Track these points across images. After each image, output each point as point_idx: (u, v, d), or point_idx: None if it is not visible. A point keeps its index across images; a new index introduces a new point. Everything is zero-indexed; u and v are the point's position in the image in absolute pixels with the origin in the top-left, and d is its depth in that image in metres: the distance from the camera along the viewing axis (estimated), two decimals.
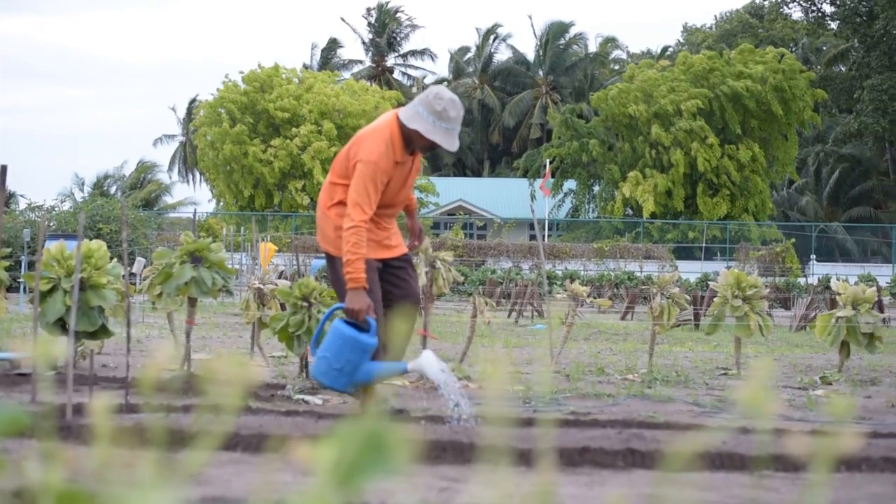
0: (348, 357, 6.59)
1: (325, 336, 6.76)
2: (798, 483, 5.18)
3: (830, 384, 9.43)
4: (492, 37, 78.76)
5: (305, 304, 8.33)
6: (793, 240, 45.96)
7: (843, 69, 67.85)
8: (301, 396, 7.74)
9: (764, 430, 6.77)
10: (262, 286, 9.66)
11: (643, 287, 10.65)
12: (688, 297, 10.67)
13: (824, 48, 69.50)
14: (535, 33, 76.99)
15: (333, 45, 75.67)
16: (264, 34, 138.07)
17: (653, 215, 50.26)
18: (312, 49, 76.13)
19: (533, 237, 54.92)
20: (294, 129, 50.48)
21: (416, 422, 6.66)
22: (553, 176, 52.57)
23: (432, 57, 77.29)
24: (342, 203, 7.03)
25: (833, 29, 68.80)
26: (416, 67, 77.29)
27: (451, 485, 4.91)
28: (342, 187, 7.05)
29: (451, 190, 60.21)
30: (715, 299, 9.91)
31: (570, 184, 55.18)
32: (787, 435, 6.67)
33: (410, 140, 6.96)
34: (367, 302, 6.73)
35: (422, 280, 8.47)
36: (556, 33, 75.94)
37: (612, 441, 6.06)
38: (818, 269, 44.93)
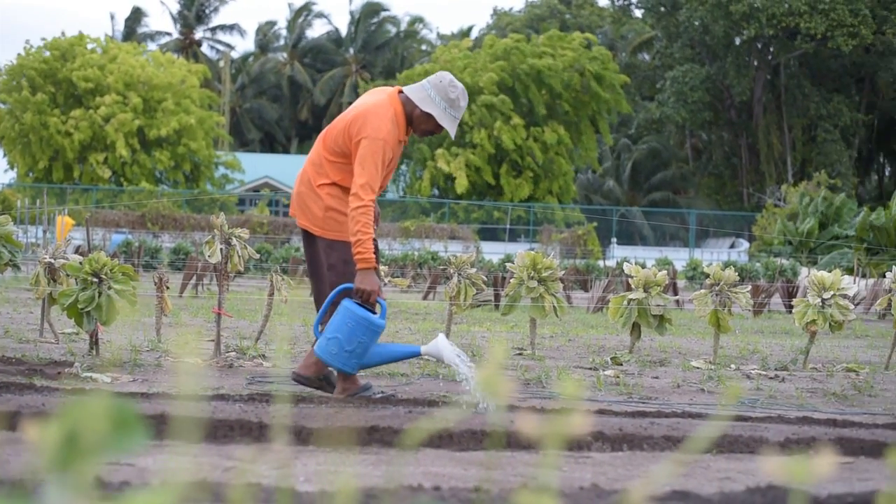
0: (360, 339, 6.55)
1: (334, 317, 6.62)
2: (581, 461, 5.28)
3: (621, 365, 9.63)
4: (304, 13, 78.28)
5: (96, 279, 8.13)
6: (594, 223, 46.90)
7: (647, 57, 69.51)
8: (90, 374, 7.56)
9: (552, 410, 6.88)
10: (52, 261, 9.40)
11: (444, 267, 10.71)
12: (485, 278, 10.78)
13: (629, 36, 71.04)
14: (350, 11, 76.83)
15: (138, 14, 74.09)
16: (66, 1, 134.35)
17: (460, 195, 50.64)
18: (112, 19, 74.49)
19: None
20: (98, 100, 49.25)
21: (206, 401, 6.57)
22: None
23: (241, 32, 76.40)
24: (336, 184, 6.87)
25: (638, 17, 70.44)
26: (224, 43, 76.28)
27: (236, 465, 4.86)
28: (336, 165, 6.89)
29: (257, 166, 59.58)
30: (511, 280, 10.03)
31: None
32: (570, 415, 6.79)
33: (411, 121, 6.92)
34: (377, 283, 6.67)
35: (216, 257, 8.35)
36: (368, 12, 75.92)
37: (401, 420, 6.08)
38: (619, 252, 45.96)
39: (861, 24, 56.32)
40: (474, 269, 10.41)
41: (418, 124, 6.93)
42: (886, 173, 75.79)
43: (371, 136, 6.68)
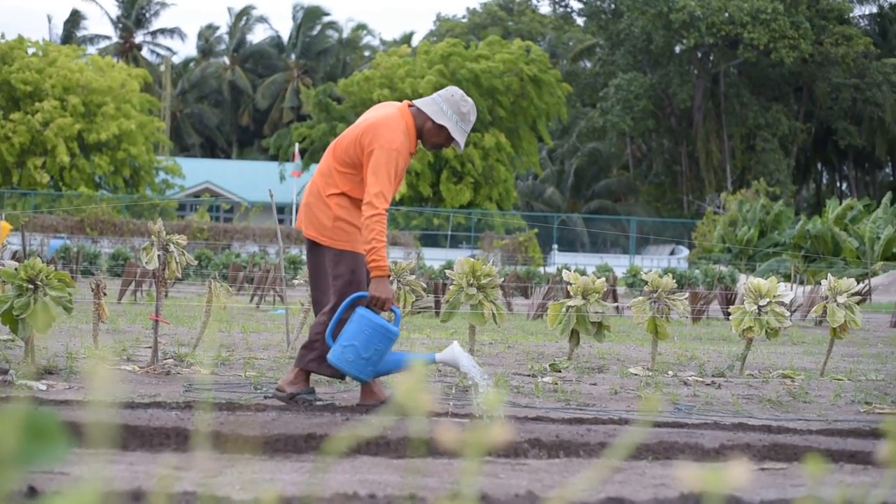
0: (377, 346, 6.66)
1: (349, 324, 6.70)
2: (517, 468, 5.30)
3: (559, 371, 9.67)
4: (244, 17, 78.00)
5: (31, 286, 8.06)
6: (535, 230, 47.03)
7: (588, 65, 69.84)
8: (25, 382, 7.49)
9: (497, 417, 6.90)
10: None
11: None
12: (424, 285, 10.78)
13: (570, 43, 71.33)
14: (293, 16, 76.62)
15: (76, 17, 73.45)
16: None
17: (401, 201, 50.66)
18: (50, 22, 73.73)
19: (281, 221, 54.70)
20: (37, 104, 48.75)
21: (143, 409, 6.53)
22: (302, 157, 52.28)
23: (181, 36, 75.95)
24: (345, 195, 6.92)
25: (580, 25, 70.78)
26: (165, 47, 75.83)
27: (172, 472, 4.83)
28: (346, 176, 6.94)
29: (197, 171, 59.27)
30: (450, 287, 10.05)
31: None
32: (508, 422, 6.81)
33: (421, 134, 7.03)
34: (391, 290, 6.79)
35: (153, 264, 8.30)
36: (310, 17, 75.78)
37: (338, 427, 6.07)
38: (560, 259, 46.17)
39: (801, 37, 56.92)
40: (413, 276, 10.42)
41: (429, 137, 7.04)
42: (824, 181, 76.67)
43: (384, 147, 6.76)
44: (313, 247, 7.12)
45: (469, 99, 7.10)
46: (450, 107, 6.99)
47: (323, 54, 75.95)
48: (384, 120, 6.91)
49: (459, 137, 7.01)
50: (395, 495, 4.39)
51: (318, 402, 6.99)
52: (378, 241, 6.66)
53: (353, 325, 6.68)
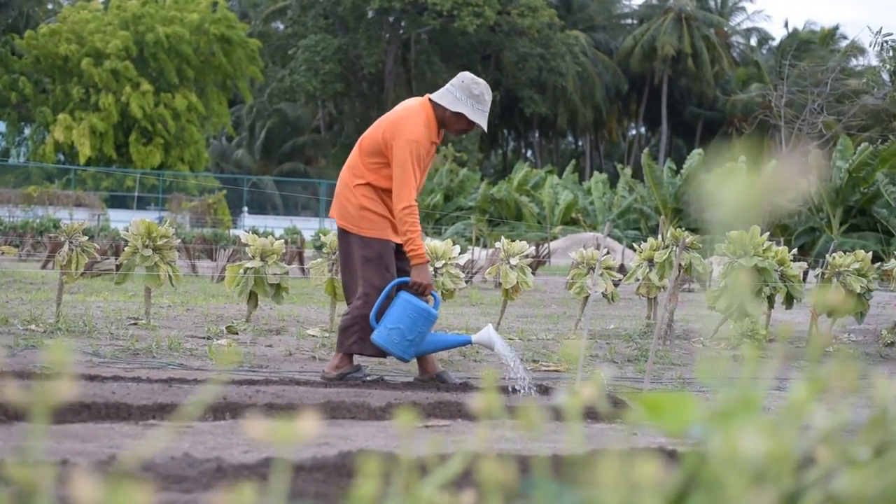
0: (420, 328, 7.09)
1: (392, 308, 7.09)
2: (181, 431, 5.24)
3: (236, 334, 9.63)
4: None
5: None
6: (224, 191, 46.54)
7: (281, 26, 69.49)
8: None
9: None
10: None
11: (53, 235, 10.43)
12: (98, 246, 10.50)
13: (262, 4, 70.77)
14: None
15: None
16: None
17: (89, 161, 49.19)
18: None
19: None
20: None
21: None
22: None
23: None
24: (370, 185, 7.32)
25: None
26: None
27: None
28: (371, 166, 7.33)
29: None
30: (126, 249, 9.84)
31: None
32: (176, 384, 6.73)
33: (444, 123, 7.44)
34: (431, 276, 7.26)
35: None
36: None
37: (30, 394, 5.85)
38: (250, 222, 45.90)
39: (486, 5, 58.24)
40: (87, 237, 10.14)
41: (451, 125, 7.45)
42: (510, 148, 78.92)
43: (407, 139, 7.20)
44: (343, 234, 7.46)
45: (480, 80, 7.46)
46: (462, 92, 7.38)
47: (3, 7, 72.80)
48: (405, 114, 7.35)
49: (479, 119, 7.41)
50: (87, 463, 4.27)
51: (367, 378, 7.35)
52: (413, 232, 7.12)
53: (397, 309, 7.10)
